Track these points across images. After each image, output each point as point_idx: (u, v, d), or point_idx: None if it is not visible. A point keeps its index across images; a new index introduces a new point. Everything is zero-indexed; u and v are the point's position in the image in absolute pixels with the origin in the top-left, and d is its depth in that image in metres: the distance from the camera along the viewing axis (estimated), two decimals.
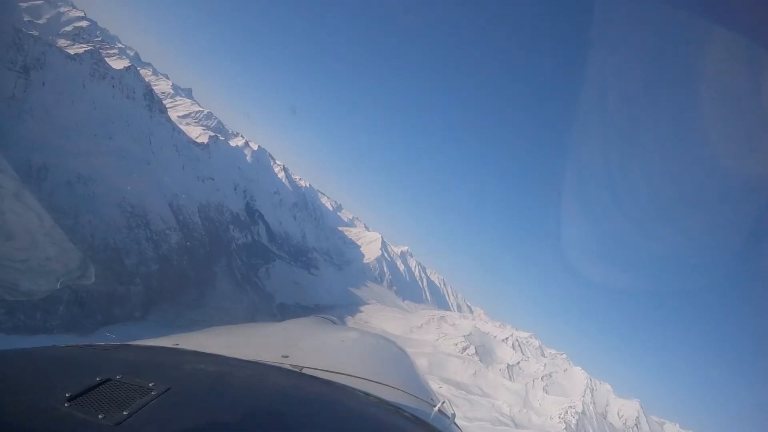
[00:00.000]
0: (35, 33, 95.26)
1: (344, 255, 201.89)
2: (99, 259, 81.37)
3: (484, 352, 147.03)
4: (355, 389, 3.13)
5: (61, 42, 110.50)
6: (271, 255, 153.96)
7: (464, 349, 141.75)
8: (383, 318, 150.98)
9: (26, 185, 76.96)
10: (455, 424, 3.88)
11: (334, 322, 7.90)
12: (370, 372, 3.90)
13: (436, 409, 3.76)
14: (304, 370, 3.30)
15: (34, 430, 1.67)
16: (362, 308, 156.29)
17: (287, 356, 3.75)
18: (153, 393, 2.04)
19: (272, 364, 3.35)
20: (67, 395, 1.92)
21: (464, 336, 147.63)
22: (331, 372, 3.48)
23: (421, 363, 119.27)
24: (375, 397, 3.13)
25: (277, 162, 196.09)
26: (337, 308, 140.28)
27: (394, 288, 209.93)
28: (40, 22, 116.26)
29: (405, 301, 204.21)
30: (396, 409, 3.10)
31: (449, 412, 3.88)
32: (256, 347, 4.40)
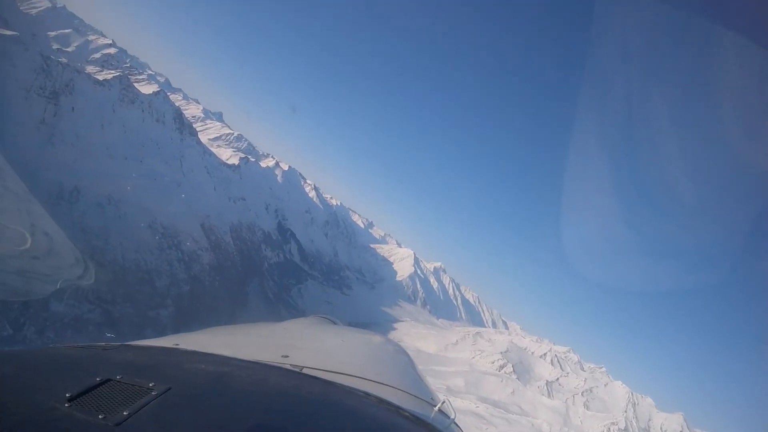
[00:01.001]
0: (64, 60, 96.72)
1: (377, 273, 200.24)
2: (130, 280, 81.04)
3: (521, 369, 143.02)
4: (355, 389, 3.13)
5: (90, 68, 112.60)
6: (303, 274, 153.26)
7: (501, 366, 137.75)
8: (416, 336, 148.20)
9: (58, 207, 77.68)
10: (455, 423, 3.72)
11: (334, 322, 7.82)
12: (370, 372, 3.91)
13: (436, 409, 3.72)
14: (304, 370, 3.31)
15: (34, 430, 1.67)
16: (396, 326, 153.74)
17: (287, 356, 3.75)
18: (153, 393, 2.05)
19: (272, 364, 3.35)
20: (67, 395, 1.92)
21: (501, 353, 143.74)
22: (331, 372, 3.50)
23: (457, 382, 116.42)
24: (375, 397, 3.14)
25: (308, 181, 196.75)
26: (370, 327, 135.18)
27: (428, 306, 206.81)
28: (69, 50, 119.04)
29: (439, 319, 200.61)
30: (396, 409, 3.08)
31: (449, 412, 3.76)
32: (256, 347, 4.39)
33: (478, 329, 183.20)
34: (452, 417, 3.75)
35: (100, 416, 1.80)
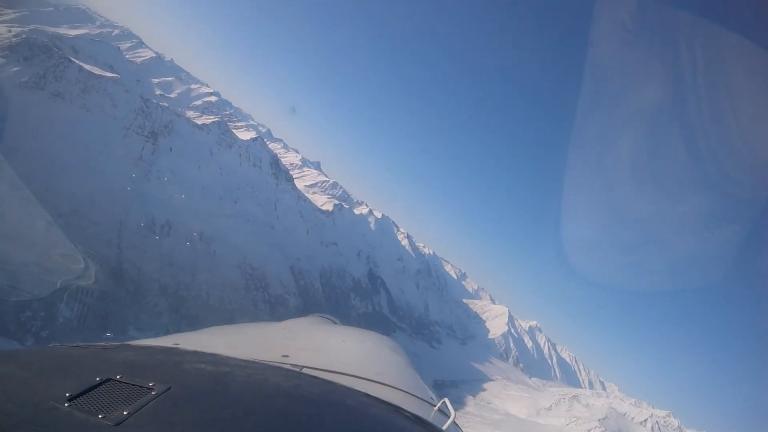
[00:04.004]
0: (164, 105, 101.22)
1: (468, 329, 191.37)
2: (212, 319, 79.61)
3: None
4: (355, 389, 3.10)
5: (190, 113, 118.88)
6: (391, 326, 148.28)
7: None
8: (507, 398, 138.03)
9: (147, 239, 78.46)
10: (455, 423, 3.56)
11: (334, 322, 7.91)
12: (370, 372, 3.95)
13: (436, 408, 3.75)
14: (304, 370, 3.33)
15: (35, 430, 1.68)
16: (485, 385, 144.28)
17: (287, 356, 3.78)
18: (153, 393, 2.06)
19: (272, 363, 3.35)
20: (67, 395, 1.94)
21: (599, 420, 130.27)
22: (331, 372, 3.54)
23: None
24: (375, 397, 3.10)
25: (401, 230, 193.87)
26: (458, 385, 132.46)
27: (521, 365, 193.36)
28: (171, 96, 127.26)
29: (532, 378, 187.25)
30: (396, 409, 3.06)
31: (449, 412, 3.59)
32: (256, 347, 4.45)
33: (574, 391, 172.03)
34: (452, 416, 3.49)
35: (99, 416, 1.80)
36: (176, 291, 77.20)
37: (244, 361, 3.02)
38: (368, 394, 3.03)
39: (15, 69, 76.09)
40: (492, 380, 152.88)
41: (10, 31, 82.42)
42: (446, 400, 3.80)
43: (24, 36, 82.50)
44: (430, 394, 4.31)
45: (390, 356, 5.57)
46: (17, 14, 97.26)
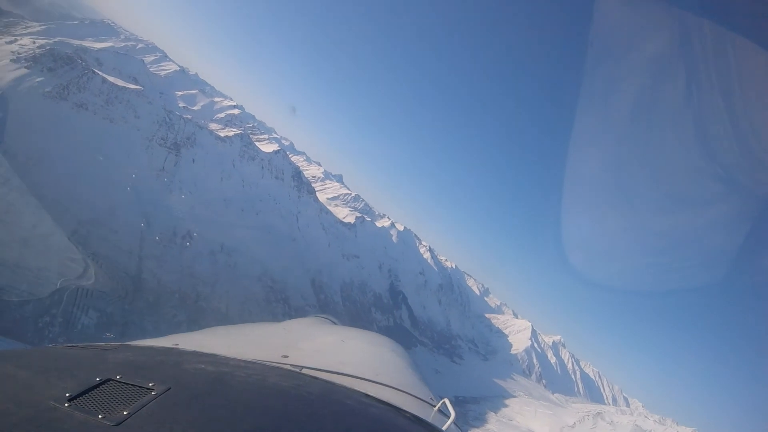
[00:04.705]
0: (187, 116, 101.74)
1: (490, 344, 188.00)
2: None
3: None
4: (354, 389, 3.15)
5: (213, 126, 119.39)
6: (413, 340, 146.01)
7: None
8: (530, 415, 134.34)
9: (168, 249, 78.04)
10: (455, 424, 3.62)
11: (333, 322, 7.90)
12: (370, 372, 4.04)
13: (436, 409, 3.80)
14: (304, 370, 3.38)
15: (35, 430, 1.68)
16: (508, 401, 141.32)
17: (287, 356, 3.88)
18: (153, 393, 2.08)
19: (272, 364, 3.41)
20: (67, 395, 1.95)
21: None
22: (331, 372, 3.60)
23: None
24: (375, 397, 3.16)
25: (423, 243, 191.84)
26: (480, 401, 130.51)
27: (544, 381, 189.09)
28: (195, 108, 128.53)
29: (555, 394, 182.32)
30: (396, 409, 3.10)
31: (449, 413, 3.70)
32: (256, 347, 4.53)
33: (598, 407, 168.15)
34: (451, 417, 3.58)
35: (99, 416, 1.81)
36: (195, 302, 76.69)
37: (244, 361, 3.04)
38: (368, 395, 3.08)
39: (39, 79, 77.37)
40: (514, 396, 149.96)
41: (34, 43, 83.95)
42: (446, 400, 3.83)
43: (48, 47, 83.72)
44: (430, 395, 4.33)
45: (390, 356, 5.67)
46: (43, 27, 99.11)
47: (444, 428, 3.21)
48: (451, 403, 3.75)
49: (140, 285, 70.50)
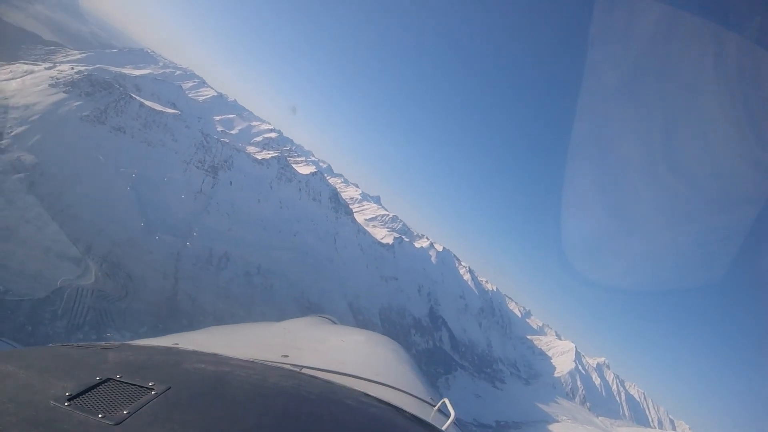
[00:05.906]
0: (225, 140, 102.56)
1: (533, 367, 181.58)
2: None
3: None
4: (354, 389, 3.17)
5: (250, 149, 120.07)
6: (453, 364, 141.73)
7: None
8: None
9: (203, 271, 77.33)
10: (455, 424, 3.63)
11: (333, 322, 8.06)
12: (370, 372, 4.08)
13: (436, 409, 3.83)
14: (304, 370, 3.41)
15: (35, 430, 1.69)
16: (551, 427, 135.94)
17: (287, 356, 3.92)
18: (153, 393, 2.09)
19: (272, 364, 3.43)
20: (67, 395, 1.97)
21: None
22: (331, 372, 3.66)
23: None
24: (375, 397, 3.18)
25: (463, 264, 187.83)
26: (522, 426, 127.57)
27: (588, 404, 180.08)
28: (233, 132, 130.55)
29: (599, 417, 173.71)
30: (396, 409, 3.12)
31: (449, 412, 3.68)
32: (256, 347, 4.56)
33: (643, 431, 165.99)
34: (451, 417, 3.57)
35: (99, 415, 1.82)
36: (231, 324, 74.67)
37: (244, 361, 3.06)
38: (368, 395, 3.09)
39: (76, 103, 79.50)
40: (557, 421, 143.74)
41: (72, 69, 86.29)
42: (446, 400, 3.81)
43: (86, 73, 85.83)
44: (430, 395, 4.34)
45: (390, 356, 5.64)
46: (83, 55, 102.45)
47: (444, 428, 3.17)
48: (450, 403, 3.65)
49: (175, 306, 70.09)
